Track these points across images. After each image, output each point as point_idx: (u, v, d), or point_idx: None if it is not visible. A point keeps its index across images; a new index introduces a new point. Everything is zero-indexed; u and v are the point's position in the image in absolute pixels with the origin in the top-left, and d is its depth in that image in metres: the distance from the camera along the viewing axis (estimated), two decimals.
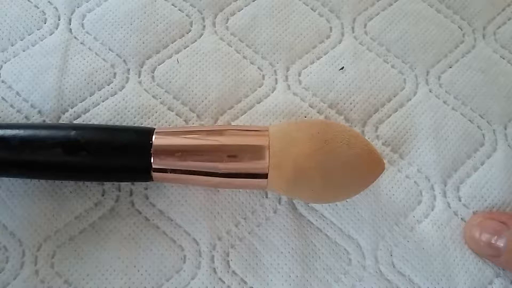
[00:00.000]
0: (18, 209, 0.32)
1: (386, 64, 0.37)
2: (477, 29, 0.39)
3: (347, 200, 0.33)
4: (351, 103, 0.36)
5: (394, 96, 0.36)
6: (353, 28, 0.38)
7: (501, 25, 0.39)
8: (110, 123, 0.34)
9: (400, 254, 0.32)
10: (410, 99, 0.36)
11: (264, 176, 0.28)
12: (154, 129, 0.30)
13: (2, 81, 0.35)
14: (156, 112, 0.35)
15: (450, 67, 0.37)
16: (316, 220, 0.33)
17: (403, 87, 0.37)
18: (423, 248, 0.32)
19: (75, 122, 0.34)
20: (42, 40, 0.36)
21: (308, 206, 0.33)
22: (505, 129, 0.36)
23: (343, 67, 0.37)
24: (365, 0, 0.39)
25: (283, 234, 0.32)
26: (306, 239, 0.32)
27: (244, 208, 0.33)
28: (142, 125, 0.34)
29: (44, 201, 0.32)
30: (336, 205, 0.33)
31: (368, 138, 0.35)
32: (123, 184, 0.33)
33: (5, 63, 0.36)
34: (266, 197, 0.33)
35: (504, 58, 0.38)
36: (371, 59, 0.37)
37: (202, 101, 0.35)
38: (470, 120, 0.36)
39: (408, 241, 0.32)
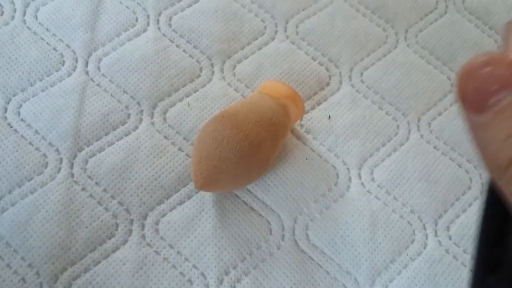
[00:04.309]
0: (36, 241, 0.33)
1: (381, 111, 0.40)
2: None
3: (345, 237, 0.35)
4: (348, 147, 0.38)
5: (388, 141, 0.39)
6: (350, 76, 0.41)
7: None
8: (124, 162, 0.36)
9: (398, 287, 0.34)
10: (403, 144, 0.39)
11: None
12: None
13: (22, 120, 0.37)
14: (168, 152, 0.37)
15: (440, 115, 0.40)
16: (317, 257, 0.35)
17: (396, 133, 0.39)
18: (416, 285, 0.34)
19: (90, 160, 0.36)
20: (60, 82, 0.39)
21: (310, 243, 0.35)
22: None
23: (329, 116, 0.39)
24: (361, 51, 0.42)
25: (286, 270, 0.34)
26: (308, 274, 0.34)
27: (250, 244, 0.35)
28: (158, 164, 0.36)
29: (61, 234, 0.34)
30: (336, 242, 0.35)
31: (364, 180, 0.37)
32: (135, 219, 0.35)
33: (25, 102, 0.38)
34: (270, 234, 0.35)
35: None
36: (367, 106, 0.40)
37: None
38: (458, 165, 0.39)
39: (402, 278, 0.35)
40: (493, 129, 0.18)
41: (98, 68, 0.40)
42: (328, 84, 0.41)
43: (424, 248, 0.36)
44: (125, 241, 0.34)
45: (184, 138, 0.38)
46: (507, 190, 0.18)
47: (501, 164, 0.18)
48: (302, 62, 0.41)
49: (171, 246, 0.34)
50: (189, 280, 0.33)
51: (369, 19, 0.44)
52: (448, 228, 0.37)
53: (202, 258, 0.34)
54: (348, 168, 0.38)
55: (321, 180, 0.37)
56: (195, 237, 0.35)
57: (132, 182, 0.36)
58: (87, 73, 0.39)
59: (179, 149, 0.37)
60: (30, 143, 0.36)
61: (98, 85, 0.39)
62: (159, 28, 0.42)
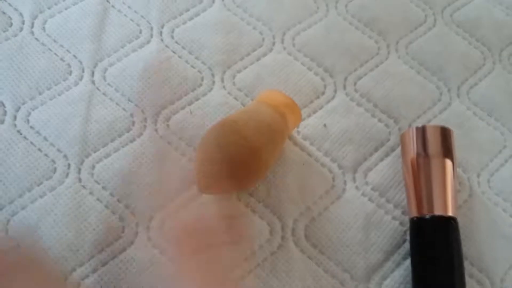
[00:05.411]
0: (46, 243, 0.35)
1: (374, 119, 0.42)
2: (452, 89, 0.44)
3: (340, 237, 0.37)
4: (343, 152, 0.40)
5: (381, 147, 0.41)
6: (344, 86, 0.43)
7: (473, 86, 0.45)
8: (129, 167, 0.38)
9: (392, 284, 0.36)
10: (395, 150, 0.41)
11: None
12: None
13: (31, 127, 0.39)
14: (171, 158, 0.38)
15: (429, 122, 0.42)
16: (315, 256, 0.36)
17: (388, 139, 0.41)
18: (409, 282, 0.36)
19: (97, 165, 0.38)
20: (67, 90, 0.40)
21: (308, 243, 0.37)
22: (488, 181, 0.41)
23: (325, 124, 0.41)
24: (355, 62, 0.44)
25: (286, 269, 0.36)
26: (307, 273, 0.36)
27: (252, 244, 0.36)
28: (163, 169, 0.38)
29: (70, 236, 0.35)
30: (333, 242, 0.37)
31: (359, 184, 0.39)
32: (141, 221, 0.36)
33: (34, 110, 0.39)
34: (271, 234, 0.37)
35: (476, 115, 0.43)
36: (361, 114, 0.42)
37: None
38: None
39: (395, 276, 0.36)
40: None
41: (104, 77, 0.41)
42: (323, 93, 0.43)
43: None
44: (131, 243, 0.36)
45: (187, 144, 0.39)
46: None
47: None
48: (298, 72, 0.43)
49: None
50: None
51: (362, 32, 0.46)
52: None
53: None
54: (343, 172, 0.40)
55: (318, 183, 0.39)
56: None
57: (138, 186, 0.37)
58: (93, 82, 0.41)
59: (182, 154, 0.39)
60: (39, 149, 0.38)
61: (104, 94, 0.41)
62: (162, 40, 0.43)
